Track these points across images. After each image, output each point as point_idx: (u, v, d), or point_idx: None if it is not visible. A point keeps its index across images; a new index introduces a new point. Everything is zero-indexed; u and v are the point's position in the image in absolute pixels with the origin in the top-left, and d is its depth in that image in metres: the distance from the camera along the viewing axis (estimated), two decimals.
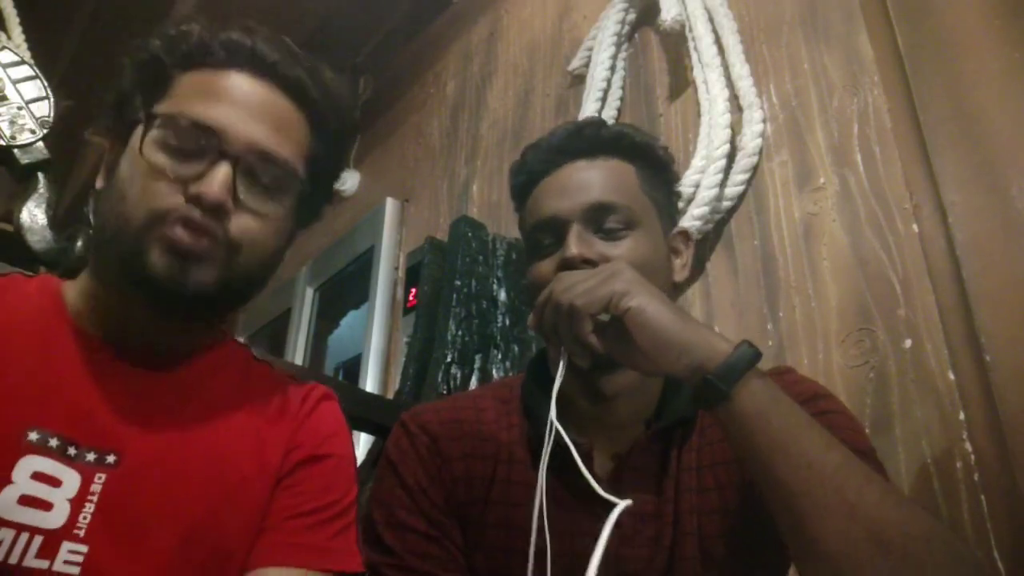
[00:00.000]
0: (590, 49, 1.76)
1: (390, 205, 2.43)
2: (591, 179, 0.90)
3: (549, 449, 0.78)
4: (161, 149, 0.73)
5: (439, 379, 1.50)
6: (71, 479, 0.67)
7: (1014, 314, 0.95)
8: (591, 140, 0.93)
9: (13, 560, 0.63)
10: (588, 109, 1.64)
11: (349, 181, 2.71)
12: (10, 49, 1.28)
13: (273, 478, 0.77)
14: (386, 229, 2.39)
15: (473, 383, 1.52)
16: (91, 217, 0.80)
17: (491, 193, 2.03)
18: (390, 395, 1.89)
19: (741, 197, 1.37)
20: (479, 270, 1.64)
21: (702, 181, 1.35)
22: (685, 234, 0.98)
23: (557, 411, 0.79)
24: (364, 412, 1.33)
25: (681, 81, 1.57)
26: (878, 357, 1.09)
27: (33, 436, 0.67)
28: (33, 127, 1.21)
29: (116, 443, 0.70)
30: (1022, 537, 0.90)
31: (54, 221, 1.20)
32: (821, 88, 1.30)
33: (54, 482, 0.67)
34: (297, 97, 0.79)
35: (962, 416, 0.98)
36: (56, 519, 0.66)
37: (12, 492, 0.65)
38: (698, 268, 1.39)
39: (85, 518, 0.66)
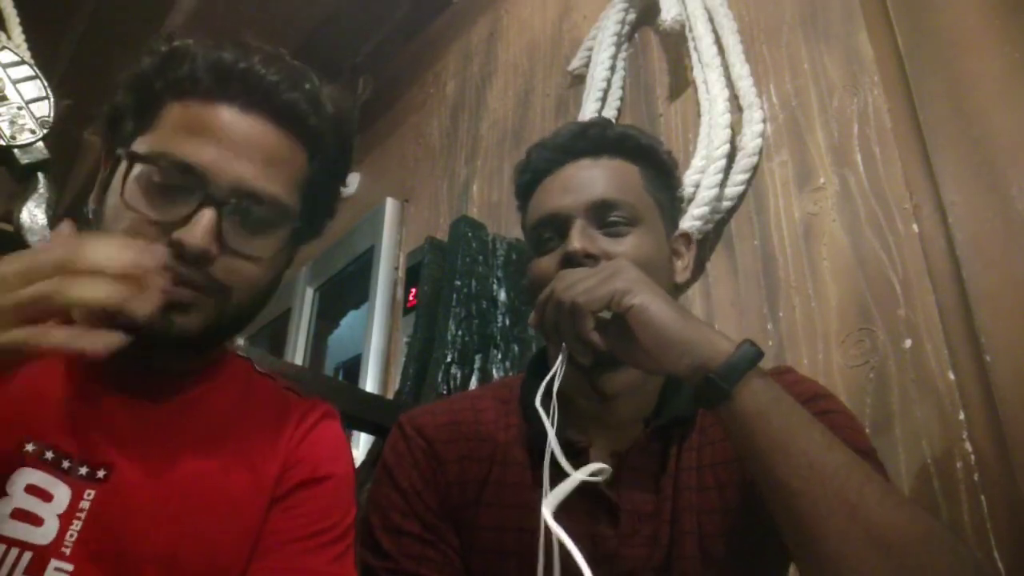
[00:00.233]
0: (590, 49, 1.76)
1: (390, 205, 2.43)
2: (595, 177, 0.91)
3: (553, 430, 0.77)
4: (144, 189, 0.70)
5: (439, 379, 1.50)
6: (62, 494, 0.67)
7: (1014, 314, 0.95)
8: (596, 140, 0.93)
9: None
10: (588, 109, 1.64)
11: (349, 181, 2.71)
12: (10, 49, 1.28)
13: (268, 498, 0.76)
14: (386, 229, 2.39)
15: (473, 383, 1.52)
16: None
17: (491, 193, 2.03)
18: (390, 395, 1.89)
19: (741, 197, 1.37)
20: (479, 270, 1.64)
21: (702, 181, 1.35)
22: (687, 236, 0.98)
23: (558, 410, 0.78)
24: (364, 412, 1.33)
25: (681, 81, 1.57)
26: (878, 357, 1.09)
27: (30, 448, 0.67)
28: (33, 127, 1.21)
29: (107, 458, 0.70)
30: (1022, 537, 0.90)
31: (54, 221, 1.20)
32: (821, 88, 1.30)
33: (46, 496, 0.66)
34: (291, 124, 0.76)
35: (962, 416, 0.98)
36: (45, 535, 0.65)
37: (6, 505, 0.64)
38: (698, 268, 1.39)
39: (72, 535, 0.66)
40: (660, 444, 0.87)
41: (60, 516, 0.66)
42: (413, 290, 1.98)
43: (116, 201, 0.71)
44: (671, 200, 0.97)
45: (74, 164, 3.07)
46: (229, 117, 0.73)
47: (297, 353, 2.61)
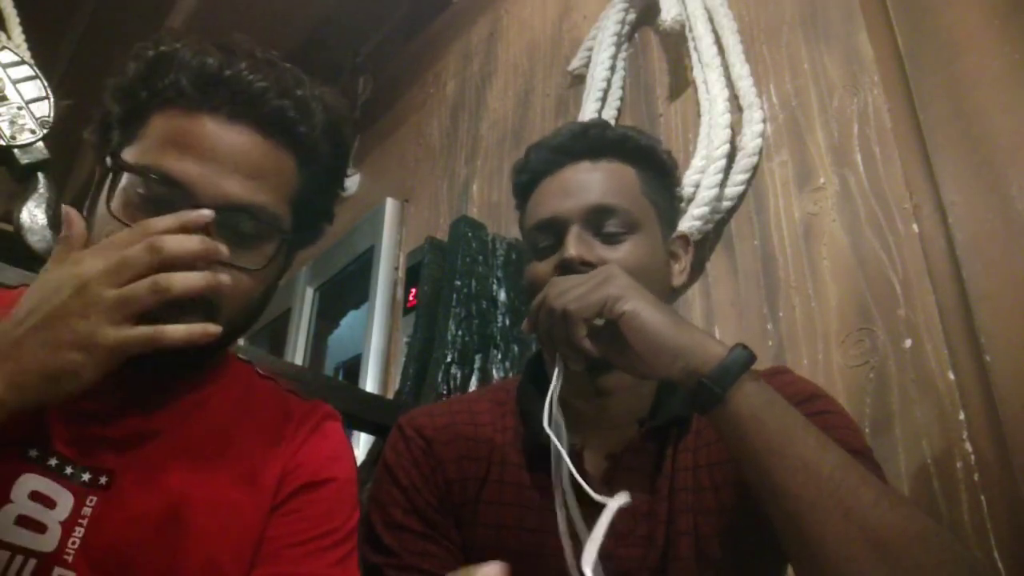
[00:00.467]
0: (590, 49, 1.76)
1: (390, 205, 2.43)
2: (592, 181, 0.91)
3: (565, 452, 0.78)
4: (130, 201, 0.70)
5: (439, 379, 1.50)
6: (65, 500, 0.66)
7: (1014, 314, 0.95)
8: (594, 142, 0.93)
9: None
10: (588, 109, 1.64)
11: (349, 181, 2.71)
12: (10, 49, 1.28)
13: (268, 504, 0.76)
14: (386, 229, 2.39)
15: (473, 383, 1.52)
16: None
17: (491, 193, 2.03)
18: (390, 395, 1.89)
19: (741, 197, 1.37)
20: (479, 270, 1.64)
21: (702, 181, 1.35)
22: (684, 239, 0.98)
23: (552, 411, 0.79)
24: (364, 412, 1.33)
25: (681, 81, 1.57)
26: (878, 357, 1.09)
27: (33, 453, 0.67)
28: (33, 127, 1.21)
29: (110, 464, 0.69)
30: (1022, 537, 0.90)
31: (54, 221, 1.20)
32: (821, 88, 1.30)
33: (49, 503, 0.66)
34: (279, 132, 0.74)
35: (962, 416, 0.98)
36: (49, 542, 0.65)
37: (10, 512, 0.64)
38: (698, 268, 1.39)
39: (74, 543, 0.66)
40: (655, 445, 0.88)
41: (62, 523, 0.66)
42: (413, 290, 1.98)
43: (103, 211, 0.70)
44: (669, 202, 0.97)
45: (74, 164, 3.07)
46: (214, 128, 0.71)
47: (297, 353, 2.61)
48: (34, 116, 1.22)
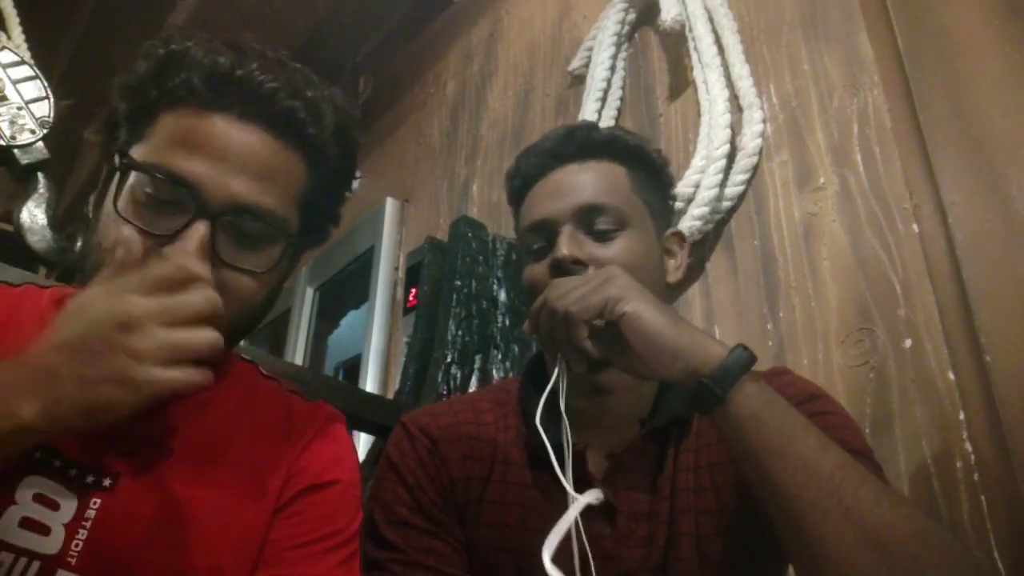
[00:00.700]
0: (590, 49, 1.76)
1: (390, 205, 2.43)
2: (582, 182, 0.92)
3: (569, 448, 0.78)
4: (137, 200, 0.69)
5: (439, 379, 1.50)
6: (68, 503, 0.66)
7: (1014, 314, 0.95)
8: (582, 143, 0.94)
9: None
10: (588, 109, 1.64)
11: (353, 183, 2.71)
12: (10, 49, 1.28)
13: (271, 506, 0.76)
14: (386, 229, 2.39)
15: (473, 383, 1.52)
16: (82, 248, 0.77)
17: (491, 193, 2.03)
18: (390, 395, 1.89)
19: (741, 197, 1.37)
20: (479, 270, 1.64)
21: (702, 181, 1.35)
22: (679, 235, 0.99)
23: (554, 411, 0.79)
24: (364, 412, 1.33)
25: (681, 81, 1.57)
26: (878, 357, 1.09)
27: (38, 455, 0.66)
28: (33, 127, 1.21)
29: (113, 466, 0.69)
30: (1022, 537, 0.90)
31: (54, 221, 1.20)
32: (821, 88, 1.30)
33: (53, 505, 0.66)
34: (289, 133, 0.74)
35: (962, 416, 0.98)
36: (52, 545, 0.65)
37: (15, 513, 0.64)
38: (698, 268, 1.39)
39: (77, 545, 0.65)
40: (656, 445, 0.88)
41: (66, 525, 0.66)
42: (413, 290, 1.98)
43: (109, 210, 0.70)
44: (662, 200, 0.98)
45: (74, 164, 3.07)
46: (224, 127, 0.71)
47: (297, 353, 2.61)
48: (34, 116, 1.22)
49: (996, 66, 1.06)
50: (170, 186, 0.69)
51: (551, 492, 0.84)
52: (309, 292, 2.70)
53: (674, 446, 0.87)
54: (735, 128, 1.39)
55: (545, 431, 0.79)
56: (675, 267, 0.96)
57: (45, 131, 1.22)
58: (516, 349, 1.58)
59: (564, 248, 0.86)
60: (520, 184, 0.97)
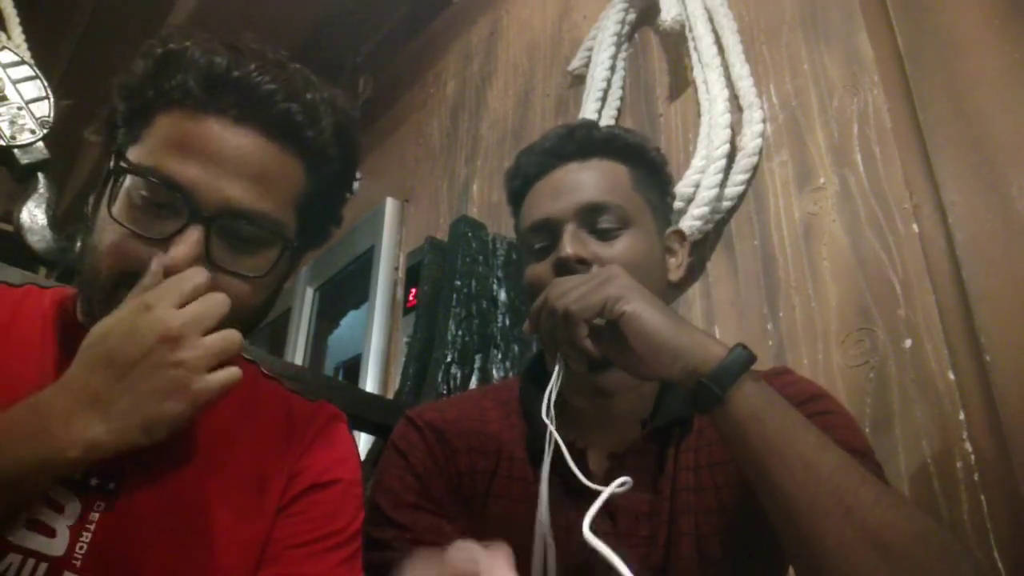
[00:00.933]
0: (590, 49, 1.76)
1: (390, 205, 2.43)
2: (583, 180, 0.91)
3: (550, 453, 0.78)
4: (132, 203, 0.69)
5: (439, 379, 1.50)
6: (73, 505, 0.66)
7: (1014, 314, 0.95)
8: (582, 142, 0.94)
9: None
10: (588, 109, 1.64)
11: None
12: (10, 49, 1.28)
13: (274, 507, 0.76)
14: (386, 229, 2.39)
15: (473, 383, 1.52)
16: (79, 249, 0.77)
17: (491, 193, 2.03)
18: (390, 395, 1.89)
19: (741, 197, 1.37)
20: (479, 270, 1.64)
21: (702, 181, 1.35)
22: (680, 233, 0.98)
23: (555, 411, 0.79)
24: (364, 412, 1.33)
25: (681, 81, 1.57)
26: (878, 357, 1.09)
27: None
28: (33, 127, 1.21)
29: (117, 468, 0.69)
30: (1022, 537, 0.90)
31: (54, 221, 1.20)
32: (821, 88, 1.30)
33: (57, 507, 0.66)
34: (287, 136, 0.73)
35: (962, 416, 0.98)
36: (58, 546, 0.65)
37: (21, 515, 0.64)
38: (698, 268, 1.39)
39: (82, 548, 0.65)
40: (657, 445, 0.88)
41: (71, 528, 0.66)
42: (413, 290, 1.98)
43: (104, 213, 0.70)
44: (662, 198, 0.98)
45: (74, 164, 3.07)
46: (219, 131, 0.70)
47: (297, 353, 2.61)
48: (34, 116, 1.22)
49: (996, 66, 1.06)
50: (165, 190, 0.68)
51: (555, 489, 0.84)
52: (309, 292, 2.70)
53: (675, 446, 0.87)
54: (735, 128, 1.39)
55: (546, 427, 0.78)
56: (676, 265, 0.96)
57: (45, 131, 1.22)
58: (516, 349, 1.58)
59: (568, 247, 0.86)
60: (520, 183, 0.97)
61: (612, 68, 1.69)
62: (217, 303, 0.64)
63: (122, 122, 0.74)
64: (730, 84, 1.43)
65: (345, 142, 0.78)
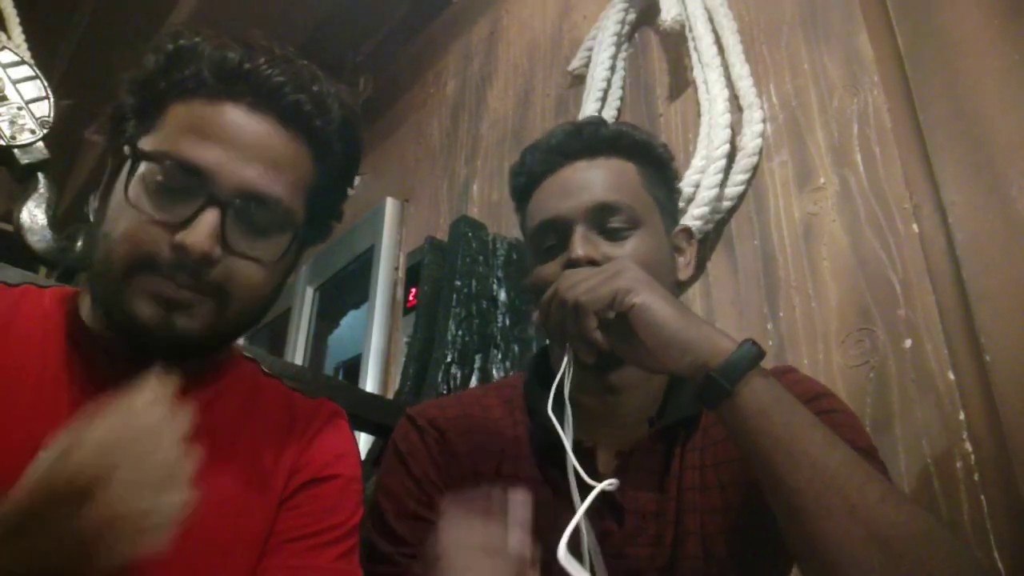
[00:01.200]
0: (590, 49, 1.76)
1: (390, 205, 2.43)
2: (592, 179, 0.90)
3: (570, 440, 0.77)
4: (147, 189, 0.70)
5: (439, 379, 1.50)
6: None
7: (1014, 314, 0.95)
8: (590, 140, 0.93)
9: None
10: (588, 109, 1.64)
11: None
12: (10, 49, 1.28)
13: (276, 504, 0.76)
14: (386, 229, 2.39)
15: (473, 383, 1.52)
16: (86, 242, 0.78)
17: (491, 193, 2.03)
18: (390, 395, 1.89)
19: (741, 197, 1.37)
20: (479, 270, 1.64)
21: (702, 181, 1.35)
22: (688, 232, 0.98)
23: (562, 409, 0.79)
24: (364, 412, 1.33)
25: (681, 81, 1.57)
26: (878, 357, 1.09)
27: None
28: (33, 127, 1.21)
29: None
30: (1022, 537, 0.90)
31: (54, 221, 1.20)
32: (821, 88, 1.30)
33: None
34: (297, 126, 0.75)
35: (962, 416, 0.98)
36: None
37: None
38: (698, 268, 1.39)
39: None
40: (664, 444, 0.87)
41: None
42: (413, 290, 1.98)
43: (120, 200, 0.71)
44: (669, 195, 0.97)
45: (74, 164, 3.07)
46: (234, 117, 0.72)
47: (297, 353, 2.61)
48: (34, 116, 1.22)
49: (996, 66, 1.06)
50: (181, 174, 0.69)
51: (560, 489, 0.84)
52: (309, 292, 2.70)
53: (681, 445, 0.87)
54: (735, 128, 1.39)
55: (556, 421, 0.78)
56: (684, 264, 0.96)
57: (45, 131, 1.22)
58: (516, 349, 1.58)
59: (579, 249, 0.85)
60: (526, 181, 0.96)
61: (612, 68, 1.69)
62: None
63: (132, 115, 0.75)
64: (730, 84, 1.43)
65: (350, 136, 0.80)
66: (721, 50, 1.46)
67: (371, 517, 0.86)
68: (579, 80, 1.80)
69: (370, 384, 2.14)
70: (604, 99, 1.66)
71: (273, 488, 0.76)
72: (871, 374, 1.09)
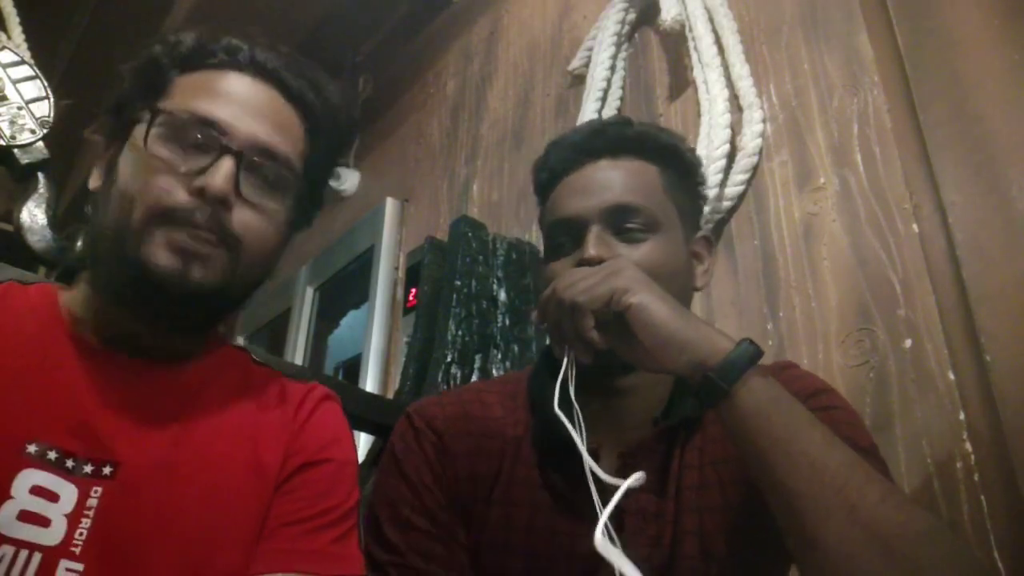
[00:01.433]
0: (590, 49, 1.76)
1: (390, 205, 2.43)
2: (612, 179, 0.89)
3: (582, 437, 0.77)
4: (164, 144, 0.73)
5: (439, 379, 1.50)
6: (68, 493, 0.66)
7: (1014, 314, 0.95)
8: (615, 139, 0.92)
9: None
10: (588, 109, 1.64)
11: (349, 181, 2.71)
12: (10, 49, 1.27)
13: (271, 488, 0.76)
14: (386, 229, 2.39)
15: None
16: (90, 219, 0.79)
17: (491, 193, 2.03)
18: (390, 395, 1.89)
19: (741, 197, 1.37)
20: (479, 270, 1.64)
21: None
22: (707, 240, 0.96)
23: (566, 409, 0.78)
24: (364, 412, 1.33)
25: (681, 81, 1.57)
26: (878, 357, 1.09)
27: (32, 449, 0.66)
28: (33, 127, 1.21)
29: (113, 454, 0.69)
30: (1022, 537, 0.90)
31: (54, 221, 1.20)
32: (821, 88, 1.30)
33: (52, 496, 0.66)
34: (294, 101, 0.80)
35: (962, 416, 0.98)
36: (54, 536, 0.65)
37: (12, 507, 0.64)
38: None
39: (81, 534, 0.65)
40: (665, 444, 0.87)
41: (68, 516, 0.66)
42: (413, 290, 1.98)
43: (134, 159, 0.73)
44: (693, 201, 0.95)
45: (74, 164, 3.07)
46: (241, 82, 0.77)
47: (297, 353, 2.61)
48: (34, 116, 1.22)
49: (996, 66, 1.06)
50: (198, 128, 0.73)
51: (560, 492, 0.84)
52: (309, 292, 2.70)
53: (681, 445, 0.87)
54: (735, 128, 1.39)
55: (557, 422, 0.77)
56: (703, 272, 0.94)
57: (45, 131, 1.21)
58: (516, 349, 1.58)
59: (592, 249, 0.84)
60: (548, 177, 0.94)
61: (612, 68, 1.69)
62: None
63: (138, 91, 0.78)
64: (730, 84, 1.43)
65: (340, 121, 0.85)
66: (721, 50, 1.46)
67: (367, 520, 0.86)
68: (579, 80, 1.80)
69: (370, 384, 2.14)
70: (604, 99, 1.66)
71: (268, 472, 0.76)
72: (871, 374, 1.09)
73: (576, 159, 0.92)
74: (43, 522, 0.65)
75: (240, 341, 0.83)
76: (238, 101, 0.76)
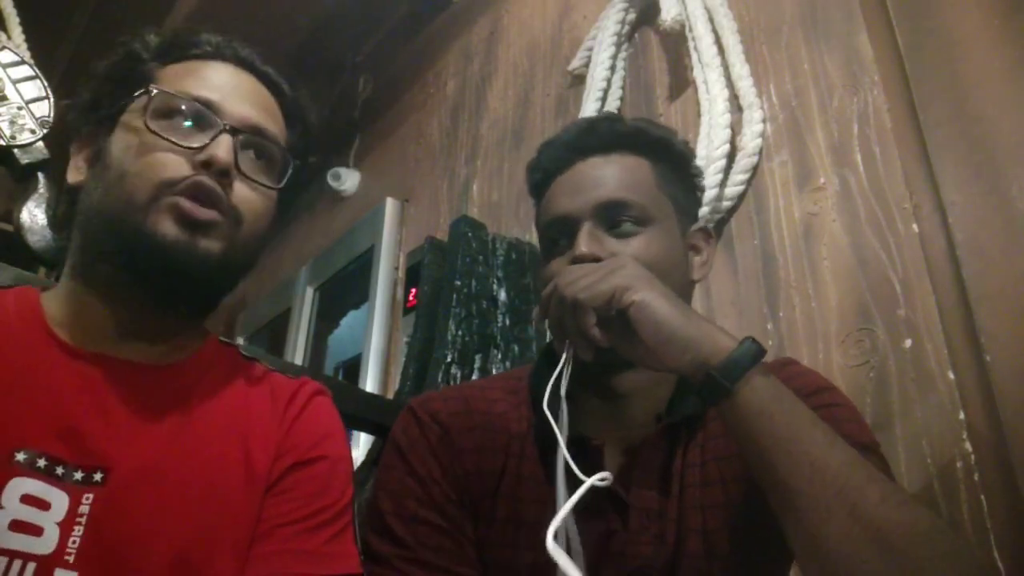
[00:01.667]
0: (590, 49, 1.76)
1: (390, 205, 2.43)
2: (604, 176, 0.89)
3: (565, 438, 0.77)
4: (162, 122, 0.75)
5: (439, 379, 1.50)
6: (59, 501, 0.66)
7: (1014, 314, 0.95)
8: (605, 136, 0.92)
9: None
10: (588, 109, 1.64)
11: (349, 181, 2.71)
12: (10, 49, 1.27)
13: (262, 488, 0.75)
14: (386, 229, 2.39)
15: None
16: (78, 211, 0.80)
17: (491, 193, 2.03)
18: (390, 395, 1.89)
19: (741, 197, 1.37)
20: (479, 270, 1.64)
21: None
22: (706, 231, 0.96)
23: (569, 407, 0.78)
24: (364, 412, 1.33)
25: (681, 81, 1.57)
26: (878, 357, 1.09)
27: (21, 457, 0.66)
28: (33, 127, 1.21)
29: (103, 459, 0.69)
30: (1022, 537, 0.90)
31: (54, 221, 1.20)
32: (821, 88, 1.30)
33: (43, 505, 0.65)
34: (272, 90, 0.84)
35: (962, 416, 0.98)
36: (47, 544, 0.64)
37: (3, 517, 0.63)
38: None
39: (74, 542, 0.65)
40: (669, 441, 0.87)
41: (59, 524, 0.65)
42: (413, 290, 1.98)
43: (130, 140, 0.75)
44: (688, 193, 0.95)
45: None
46: (226, 70, 0.81)
47: (297, 353, 2.61)
48: (34, 116, 1.22)
49: (996, 66, 1.06)
50: (194, 106, 0.76)
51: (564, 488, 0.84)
52: (309, 292, 2.70)
53: (684, 442, 0.86)
54: (735, 128, 1.39)
55: (554, 418, 0.77)
56: (700, 263, 0.94)
57: (45, 131, 1.21)
58: (516, 349, 1.58)
59: (583, 246, 0.84)
60: (541, 177, 0.95)
61: (612, 68, 1.69)
62: None
63: (119, 91, 0.79)
64: (730, 84, 1.43)
65: (309, 122, 0.88)
66: (721, 50, 1.46)
67: (368, 514, 0.86)
68: (579, 80, 1.80)
69: (370, 384, 2.14)
70: (604, 99, 1.66)
71: (259, 471, 0.76)
72: (871, 374, 1.09)
73: (567, 158, 0.92)
74: (35, 531, 0.64)
75: (240, 341, 0.83)
76: (227, 86, 0.79)
